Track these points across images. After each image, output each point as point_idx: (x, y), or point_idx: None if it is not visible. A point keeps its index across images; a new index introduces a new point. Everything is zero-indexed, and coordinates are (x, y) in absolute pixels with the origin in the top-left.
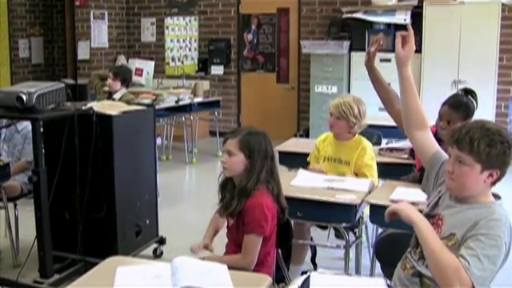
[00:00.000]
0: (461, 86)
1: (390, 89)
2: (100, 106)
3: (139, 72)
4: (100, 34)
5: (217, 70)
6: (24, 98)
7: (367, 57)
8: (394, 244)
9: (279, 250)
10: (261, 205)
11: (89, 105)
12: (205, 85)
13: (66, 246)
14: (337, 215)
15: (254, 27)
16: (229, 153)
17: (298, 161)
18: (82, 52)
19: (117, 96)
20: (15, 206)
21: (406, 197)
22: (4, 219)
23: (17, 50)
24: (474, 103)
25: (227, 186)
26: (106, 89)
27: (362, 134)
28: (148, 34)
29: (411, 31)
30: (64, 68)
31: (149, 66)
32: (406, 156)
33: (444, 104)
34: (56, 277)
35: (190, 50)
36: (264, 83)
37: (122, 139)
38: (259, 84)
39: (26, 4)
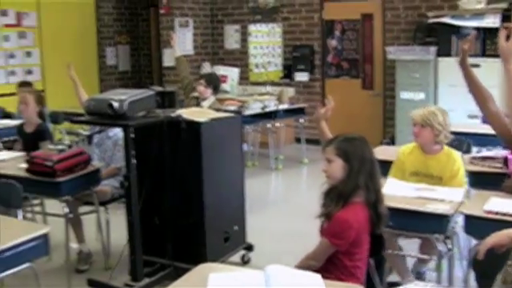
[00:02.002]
0: None
1: (485, 89)
2: (188, 113)
3: (224, 79)
4: (185, 41)
5: (301, 76)
6: (115, 105)
7: (461, 55)
8: (493, 255)
9: (370, 260)
10: (346, 221)
11: (178, 112)
12: (289, 91)
13: (156, 250)
14: (429, 225)
15: (337, 33)
16: (328, 160)
17: (386, 169)
18: (168, 59)
19: (205, 104)
20: (106, 209)
21: (502, 208)
22: (95, 223)
23: (104, 58)
24: None
25: (330, 195)
26: (196, 94)
27: (450, 142)
28: (232, 41)
29: None
30: (150, 75)
31: (233, 73)
32: (499, 165)
33: None
34: (146, 280)
35: (273, 56)
36: (349, 90)
37: (211, 146)
38: (344, 90)
39: (113, 13)
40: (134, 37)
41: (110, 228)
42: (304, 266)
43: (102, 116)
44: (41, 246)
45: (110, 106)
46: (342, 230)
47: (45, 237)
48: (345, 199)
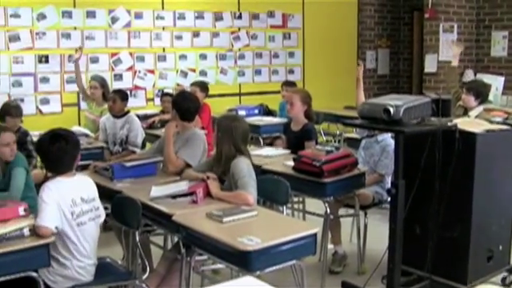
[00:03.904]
0: None
1: None
2: (462, 123)
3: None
4: (449, 47)
5: None
6: (391, 110)
7: None
8: None
9: None
10: None
11: (454, 121)
12: None
13: (413, 261)
14: None
15: None
16: None
17: None
18: (429, 65)
19: (473, 114)
20: (365, 214)
21: None
22: (353, 226)
23: (364, 61)
24: None
25: None
26: (461, 103)
27: None
28: (499, 47)
29: None
30: (409, 80)
31: (498, 82)
32: None
33: None
34: None
35: None
36: None
37: (485, 159)
38: None
39: (374, 16)
40: (395, 41)
41: (367, 233)
42: None
43: (375, 120)
44: (309, 245)
45: (386, 111)
46: None
47: (314, 236)
48: None
